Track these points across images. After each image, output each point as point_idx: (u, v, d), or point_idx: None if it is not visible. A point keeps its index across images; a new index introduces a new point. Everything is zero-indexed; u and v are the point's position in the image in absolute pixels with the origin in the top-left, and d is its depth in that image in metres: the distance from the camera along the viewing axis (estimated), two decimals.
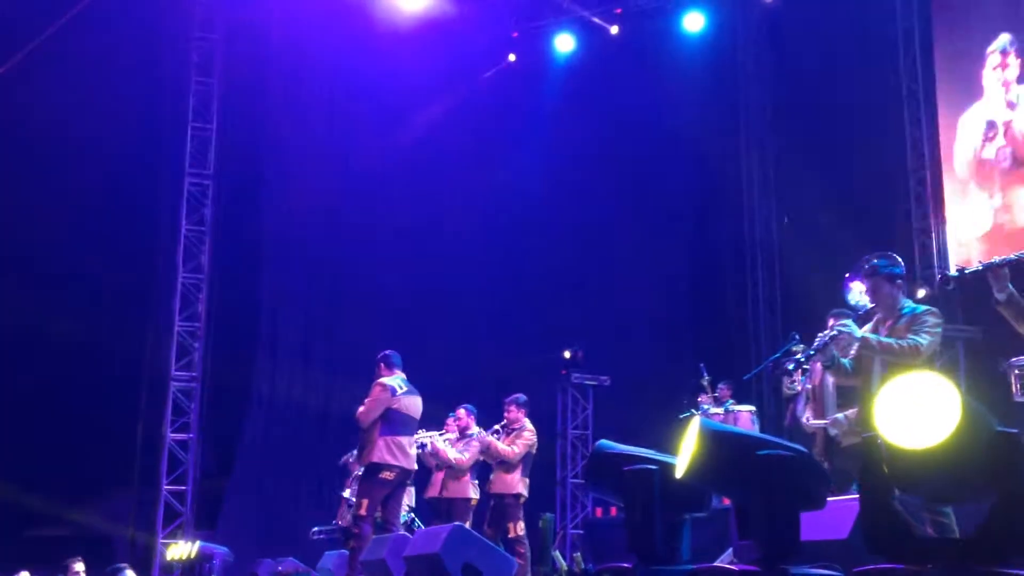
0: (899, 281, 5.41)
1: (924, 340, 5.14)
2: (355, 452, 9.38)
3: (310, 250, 14.11)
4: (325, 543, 10.15)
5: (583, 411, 13.88)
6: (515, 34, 15.09)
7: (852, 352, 5.47)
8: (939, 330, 5.25)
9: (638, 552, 4.24)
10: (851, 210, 12.39)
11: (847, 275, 7.20)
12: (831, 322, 6.60)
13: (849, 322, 5.45)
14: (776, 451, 3.65)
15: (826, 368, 5.51)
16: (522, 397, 9.28)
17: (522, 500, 8.89)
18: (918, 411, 3.02)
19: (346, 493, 9.88)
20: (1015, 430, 2.96)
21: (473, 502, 9.08)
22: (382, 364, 7.92)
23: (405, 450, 7.67)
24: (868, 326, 5.54)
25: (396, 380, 7.77)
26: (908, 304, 5.41)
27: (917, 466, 3.10)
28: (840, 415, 6.22)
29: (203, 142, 13.60)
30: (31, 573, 7.40)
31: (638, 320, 14.42)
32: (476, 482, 9.21)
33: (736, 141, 15.54)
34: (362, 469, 7.97)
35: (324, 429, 10.90)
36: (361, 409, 7.64)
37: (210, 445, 13.42)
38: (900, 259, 5.59)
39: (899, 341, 5.18)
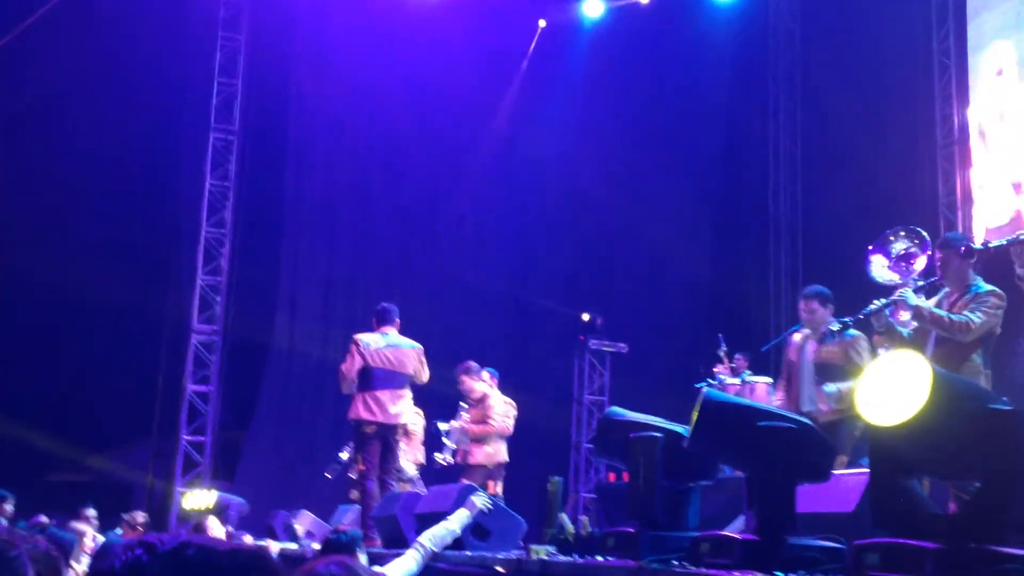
0: (972, 259, 5.37)
1: (978, 319, 5.11)
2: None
3: (333, 207, 14.15)
4: (339, 496, 10.26)
5: (600, 377, 13.92)
6: None
7: (911, 321, 5.48)
8: (999, 312, 5.23)
9: (640, 517, 4.28)
10: (876, 183, 12.29)
11: (869, 247, 7.13)
12: (802, 304, 6.58)
13: (907, 290, 5.45)
14: (776, 423, 3.67)
15: (879, 333, 5.48)
16: (474, 365, 9.34)
17: (501, 466, 9.22)
18: (894, 390, 3.05)
19: (343, 455, 9.98)
20: (1008, 407, 2.95)
21: (501, 464, 9.21)
22: (374, 319, 7.91)
23: (384, 405, 7.65)
24: (933, 299, 5.53)
25: (373, 336, 7.76)
26: (978, 282, 5.38)
27: (902, 443, 3.12)
28: (832, 387, 6.09)
29: (229, 98, 13.62)
30: (48, 517, 7.50)
31: (658, 289, 14.39)
32: (504, 444, 9.30)
33: (764, 111, 15.44)
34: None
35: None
36: (343, 365, 7.70)
37: (230, 398, 13.56)
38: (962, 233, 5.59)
39: (952, 316, 5.16)
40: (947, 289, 5.48)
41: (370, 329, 7.91)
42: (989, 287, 5.31)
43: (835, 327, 6.25)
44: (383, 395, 7.66)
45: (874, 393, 3.17)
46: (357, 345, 7.68)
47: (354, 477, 9.73)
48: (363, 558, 4.63)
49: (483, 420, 9.11)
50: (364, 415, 7.61)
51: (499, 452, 9.16)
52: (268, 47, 13.76)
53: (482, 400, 9.18)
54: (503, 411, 9.17)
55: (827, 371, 6.28)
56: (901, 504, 3.11)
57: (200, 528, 8.39)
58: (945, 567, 2.80)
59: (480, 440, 9.10)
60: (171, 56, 13.20)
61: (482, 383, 9.30)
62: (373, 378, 7.65)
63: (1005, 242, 4.94)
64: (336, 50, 13.98)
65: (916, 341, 5.33)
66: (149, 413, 13.01)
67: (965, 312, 5.17)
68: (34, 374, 12.06)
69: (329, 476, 10.50)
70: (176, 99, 13.56)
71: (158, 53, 12.78)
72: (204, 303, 13.23)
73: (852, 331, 6.35)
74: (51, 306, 12.33)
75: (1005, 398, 3.15)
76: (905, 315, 7.02)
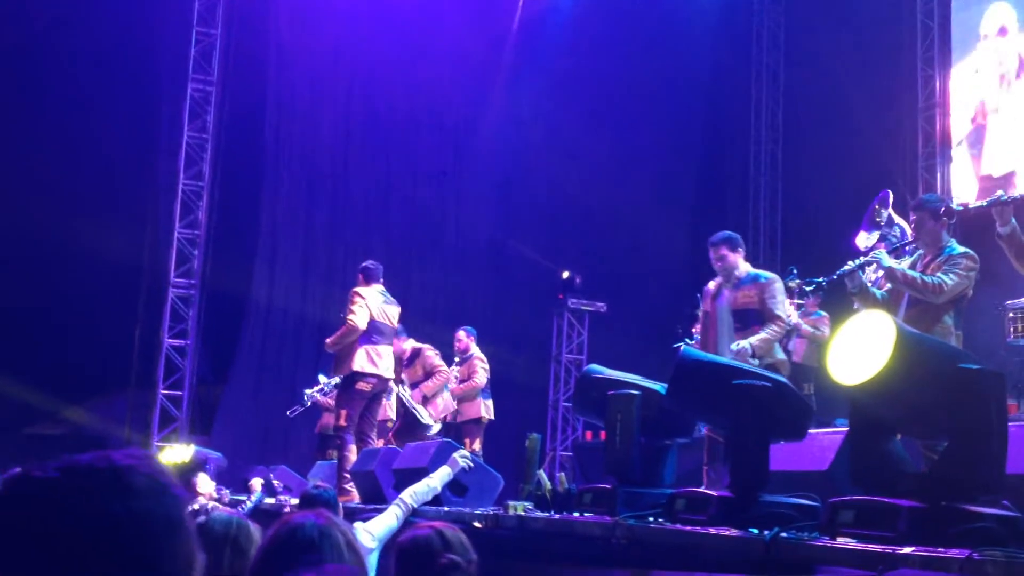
0: (944, 219, 5.38)
1: (950, 280, 5.12)
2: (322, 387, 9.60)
3: (312, 160, 14.03)
4: (315, 452, 10.29)
5: (578, 336, 13.95)
6: None
7: (883, 282, 5.50)
8: (972, 273, 5.23)
9: (616, 474, 4.31)
10: (856, 145, 12.31)
11: (861, 228, 7.19)
12: (711, 253, 6.46)
13: (881, 251, 5.47)
14: (752, 381, 3.69)
15: (852, 295, 5.48)
16: (472, 329, 9.57)
17: (484, 421, 9.37)
18: (862, 349, 3.08)
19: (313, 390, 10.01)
20: (977, 366, 2.96)
21: (484, 420, 9.32)
22: (360, 275, 7.84)
23: (383, 359, 7.66)
24: (907, 261, 5.54)
25: (370, 290, 7.74)
26: (952, 244, 5.39)
27: (874, 402, 3.14)
28: (745, 343, 6.01)
29: (207, 48, 13.43)
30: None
31: (637, 249, 14.41)
32: (488, 402, 9.41)
33: (746, 73, 15.42)
34: (339, 379, 7.95)
35: (321, 340, 10.92)
36: (352, 318, 7.50)
37: (207, 352, 13.50)
38: (939, 196, 5.59)
39: (924, 277, 5.17)
40: (921, 251, 5.49)
41: (353, 284, 7.88)
42: (962, 249, 5.32)
43: (809, 287, 6.25)
44: (384, 349, 7.66)
45: (844, 353, 3.19)
46: (364, 298, 7.62)
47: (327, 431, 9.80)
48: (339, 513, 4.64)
49: (468, 378, 9.26)
50: (368, 368, 7.53)
51: (480, 408, 9.34)
52: None
53: (470, 359, 9.33)
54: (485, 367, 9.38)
55: (744, 317, 6.16)
56: (876, 462, 3.14)
57: (188, 484, 8.42)
58: (918, 525, 2.83)
59: (469, 397, 9.25)
60: (148, 5, 12.99)
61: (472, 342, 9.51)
62: (375, 331, 7.62)
63: (986, 203, 4.95)
64: (317, 0, 13.80)
65: (889, 303, 5.35)
66: (126, 367, 12.95)
67: (939, 274, 5.19)
68: (9, 327, 11.95)
69: (290, 414, 10.56)
70: (154, 49, 13.34)
71: (134, 2, 12.56)
72: (181, 256, 13.13)
73: (766, 274, 6.32)
74: (26, 259, 12.19)
75: (975, 357, 3.16)
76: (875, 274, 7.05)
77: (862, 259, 5.53)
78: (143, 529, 1.10)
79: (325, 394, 9.82)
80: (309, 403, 10.15)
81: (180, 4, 13.29)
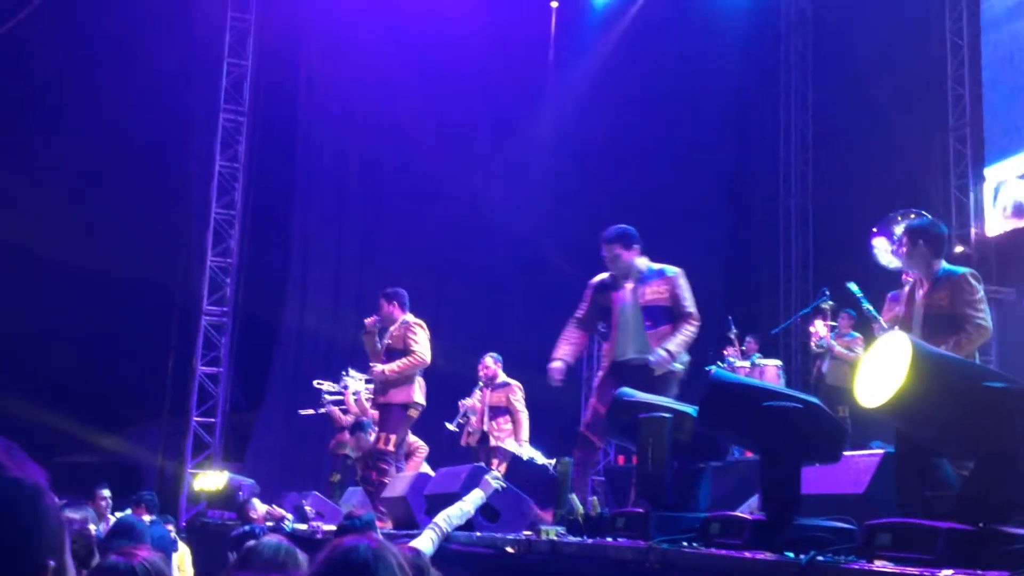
0: (920, 242, 5.23)
1: (983, 314, 5.08)
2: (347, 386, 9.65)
3: (342, 187, 14.14)
4: (349, 478, 10.31)
5: None
6: None
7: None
8: (983, 291, 5.20)
9: (649, 498, 4.28)
10: (888, 166, 12.24)
11: (873, 230, 7.05)
12: (604, 251, 6.20)
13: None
14: (782, 403, 3.65)
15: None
16: (498, 356, 9.60)
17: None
18: (883, 371, 3.04)
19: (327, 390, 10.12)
20: (1002, 384, 2.91)
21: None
22: (396, 303, 7.77)
23: (424, 389, 7.77)
24: (906, 288, 5.48)
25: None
26: (943, 265, 5.30)
27: (906, 424, 3.10)
28: (662, 351, 5.82)
29: (238, 78, 13.60)
30: (59, 498, 7.55)
31: None
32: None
33: (775, 92, 15.39)
34: (374, 406, 8.01)
35: (353, 366, 10.98)
36: (420, 350, 7.54)
37: (240, 379, 13.59)
38: (930, 216, 5.50)
39: (967, 332, 5.07)
40: (916, 278, 5.40)
41: (377, 311, 7.90)
42: (963, 269, 5.24)
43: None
44: (423, 379, 7.72)
45: (868, 375, 3.17)
46: (424, 329, 7.67)
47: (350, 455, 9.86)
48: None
49: (509, 405, 9.28)
50: (420, 399, 7.65)
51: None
52: (278, 27, 13.72)
53: (505, 385, 9.33)
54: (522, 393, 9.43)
55: (654, 313, 6.01)
56: (916, 484, 3.10)
57: (244, 508, 8.48)
58: (957, 547, 2.79)
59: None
60: (181, 36, 13.18)
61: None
62: None
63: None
64: (346, 30, 13.94)
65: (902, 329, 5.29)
66: (160, 394, 13.06)
67: (969, 313, 5.10)
68: (45, 355, 12.10)
69: (302, 413, 10.66)
70: (186, 80, 13.53)
71: (168, 33, 12.76)
72: (214, 284, 13.24)
73: (671, 269, 6.11)
74: (61, 288, 12.34)
75: (1008, 375, 3.11)
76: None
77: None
78: (11, 497, 1.15)
79: (339, 399, 9.98)
80: (323, 409, 10.33)
81: (212, 36, 13.48)
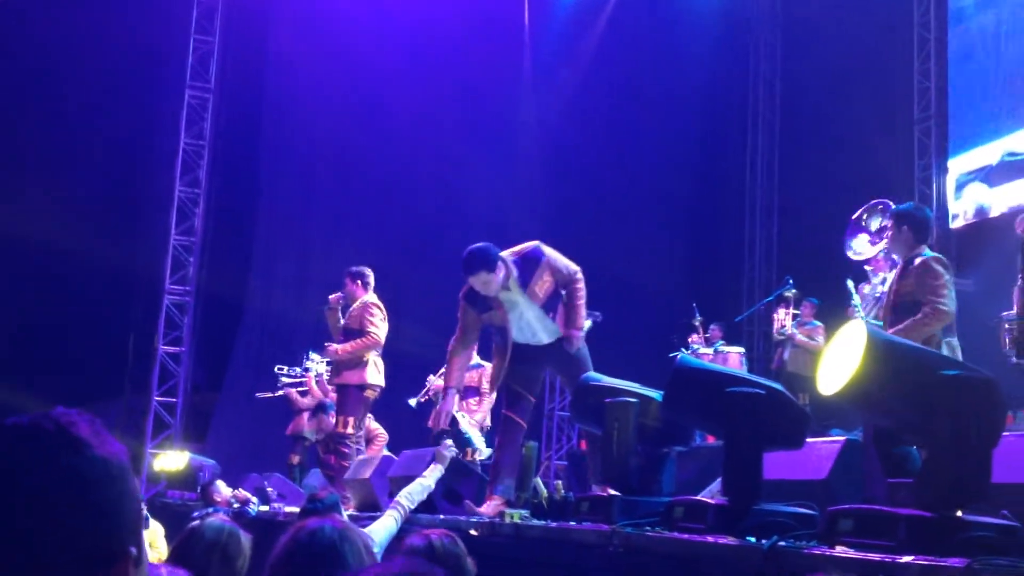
0: (904, 228, 5.38)
1: (944, 299, 5.13)
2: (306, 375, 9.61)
3: (309, 167, 14.03)
4: (310, 460, 10.28)
5: None
6: None
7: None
8: (951, 279, 5.26)
9: (614, 482, 4.29)
10: (854, 156, 12.33)
11: (846, 235, 7.18)
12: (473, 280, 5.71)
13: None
14: (745, 388, 3.67)
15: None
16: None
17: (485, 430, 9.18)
18: (841, 359, 3.08)
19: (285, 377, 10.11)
20: (957, 372, 2.94)
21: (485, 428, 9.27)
22: (359, 282, 7.70)
23: (382, 370, 7.71)
24: (892, 273, 5.57)
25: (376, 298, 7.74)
26: (923, 250, 5.40)
27: (869, 411, 3.13)
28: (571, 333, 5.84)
29: (205, 55, 13.43)
30: None
31: (633, 258, 14.40)
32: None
33: (743, 83, 15.45)
34: (334, 388, 7.96)
35: (316, 347, 10.93)
36: (374, 331, 7.50)
37: (202, 359, 13.48)
38: (916, 206, 5.61)
39: (924, 314, 5.12)
40: (896, 260, 5.53)
41: (340, 289, 7.84)
42: (932, 255, 5.32)
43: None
44: (381, 360, 7.67)
45: (829, 364, 3.20)
46: (381, 310, 7.61)
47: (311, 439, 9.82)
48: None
49: (477, 382, 9.23)
50: (377, 380, 7.59)
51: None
52: (246, 3, 13.56)
53: (478, 367, 9.28)
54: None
55: (548, 303, 5.73)
56: (880, 471, 3.13)
57: (207, 490, 8.40)
58: (918, 534, 2.82)
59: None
60: (146, 12, 12.99)
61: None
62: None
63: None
64: (315, 7, 13.81)
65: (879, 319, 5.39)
66: (120, 373, 12.93)
67: (929, 297, 5.17)
68: (3, 333, 11.94)
69: (258, 396, 10.62)
70: (151, 56, 13.35)
71: (133, 9, 12.56)
72: (177, 263, 13.11)
73: (536, 252, 5.75)
74: (22, 265, 12.18)
75: (963, 363, 3.14)
76: (867, 288, 7.08)
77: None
78: (99, 476, 1.11)
79: (299, 382, 9.93)
80: (281, 392, 10.29)
81: (178, 12, 13.30)
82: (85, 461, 1.11)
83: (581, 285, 5.75)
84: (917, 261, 5.27)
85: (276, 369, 10.45)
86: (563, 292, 5.74)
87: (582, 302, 5.75)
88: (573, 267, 5.78)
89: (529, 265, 5.68)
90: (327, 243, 13.88)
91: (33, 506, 1.07)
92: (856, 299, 6.91)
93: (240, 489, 8.49)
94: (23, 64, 12.31)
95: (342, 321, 7.78)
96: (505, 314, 5.72)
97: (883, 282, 6.92)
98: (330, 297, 7.87)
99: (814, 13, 13.65)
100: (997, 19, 11.18)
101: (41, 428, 1.14)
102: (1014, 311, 6.58)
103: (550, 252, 5.75)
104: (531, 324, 5.75)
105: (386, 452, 8.67)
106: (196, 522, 3.18)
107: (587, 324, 6.04)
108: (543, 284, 5.68)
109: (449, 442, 5.95)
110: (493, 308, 5.74)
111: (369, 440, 8.96)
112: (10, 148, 12.12)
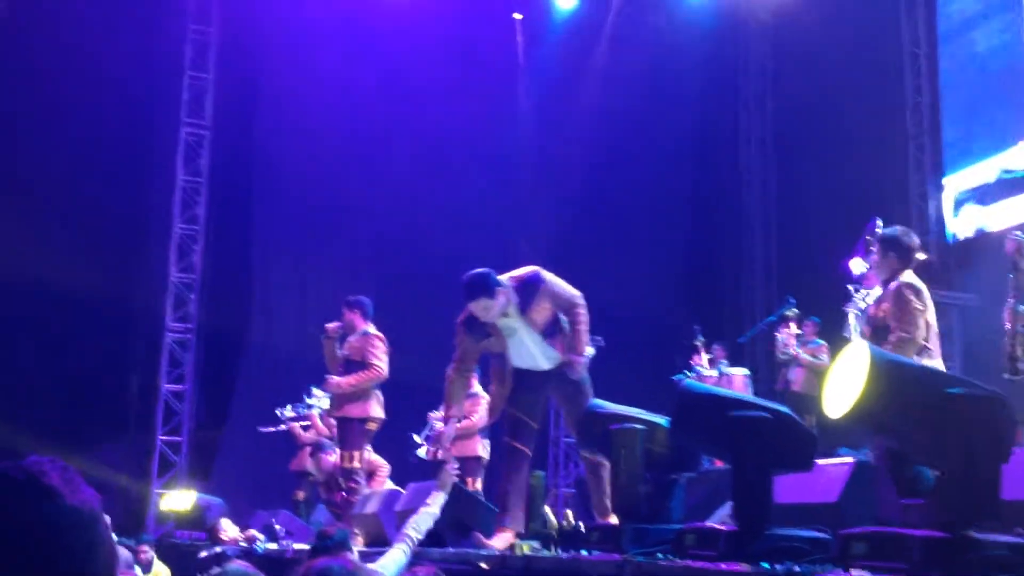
0: (890, 254, 5.32)
1: (909, 328, 5.09)
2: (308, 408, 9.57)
3: (306, 202, 14.02)
4: (315, 496, 10.23)
5: None
6: None
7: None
8: (921, 304, 5.19)
9: (622, 511, 4.27)
10: (849, 171, 12.36)
11: (849, 258, 7.20)
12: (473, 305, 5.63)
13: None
14: (749, 412, 3.66)
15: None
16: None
17: (483, 462, 9.12)
18: (845, 380, 3.07)
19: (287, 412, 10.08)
20: (961, 390, 2.93)
21: (483, 460, 9.15)
22: (359, 311, 7.63)
23: (382, 402, 7.67)
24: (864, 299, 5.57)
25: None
26: (900, 277, 5.35)
27: (864, 431, 3.12)
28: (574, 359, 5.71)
29: (199, 92, 13.49)
30: None
31: (634, 281, 14.39)
32: (486, 441, 9.25)
33: (735, 103, 15.52)
34: (336, 421, 7.87)
35: (318, 381, 10.91)
36: (378, 364, 7.44)
37: (205, 396, 13.44)
38: (903, 231, 5.57)
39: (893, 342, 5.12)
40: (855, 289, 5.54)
41: (339, 319, 7.80)
42: (906, 281, 5.27)
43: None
44: (380, 392, 7.64)
45: (833, 386, 3.19)
46: (384, 343, 7.56)
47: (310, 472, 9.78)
48: (355, 556, 4.59)
49: (469, 415, 9.13)
50: (378, 413, 7.54)
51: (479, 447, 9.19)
52: (239, 40, 13.62)
53: (475, 396, 9.17)
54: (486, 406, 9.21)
55: (546, 330, 5.69)
56: (898, 491, 3.13)
57: (214, 530, 8.34)
58: (932, 555, 2.80)
59: (467, 435, 9.08)
60: (140, 50, 13.03)
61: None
62: None
63: None
64: (308, 41, 13.86)
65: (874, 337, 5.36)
66: (124, 413, 12.88)
67: (892, 324, 5.14)
68: (5, 374, 11.90)
69: (261, 429, 10.59)
70: (146, 94, 13.38)
71: (127, 47, 12.60)
72: (178, 301, 13.10)
73: (535, 277, 5.69)
74: (21, 305, 12.15)
75: (969, 380, 3.12)
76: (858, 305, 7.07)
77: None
78: (70, 524, 1.14)
79: (302, 417, 9.88)
80: (283, 426, 10.26)
81: (172, 48, 13.35)
82: (56, 509, 1.13)
83: (583, 311, 5.70)
84: (892, 286, 5.25)
85: (277, 412, 10.38)
86: (564, 318, 5.70)
87: (584, 327, 5.69)
88: (574, 292, 5.73)
89: (528, 290, 5.61)
90: (326, 276, 13.87)
91: (3, 554, 1.08)
92: (853, 325, 6.88)
93: (250, 530, 8.44)
94: (15, 99, 12.33)
95: (339, 351, 7.73)
96: (504, 340, 5.66)
97: (864, 298, 6.87)
98: (327, 326, 7.79)
99: (805, 30, 13.72)
100: (987, 36, 11.24)
101: (10, 477, 1.16)
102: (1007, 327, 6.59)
103: (550, 278, 5.69)
104: (530, 350, 5.69)
105: (390, 485, 8.63)
106: (216, 570, 3.16)
107: (590, 351, 5.99)
108: (542, 311, 5.62)
109: (453, 466, 5.87)
110: (491, 335, 5.68)
111: (371, 473, 8.91)
112: (5, 187, 12.13)
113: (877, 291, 5.59)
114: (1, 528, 1.10)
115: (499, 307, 5.53)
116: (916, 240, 5.46)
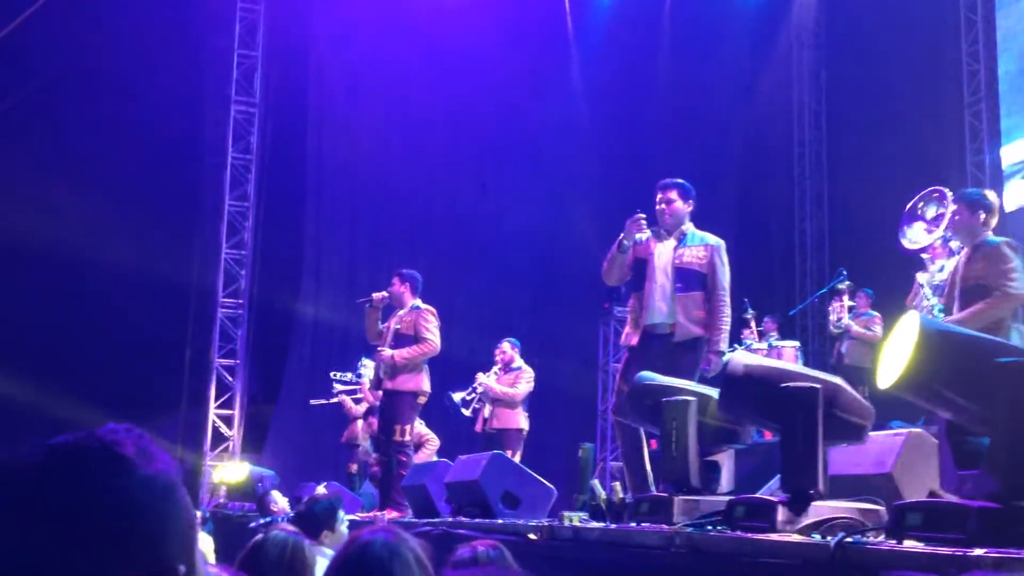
0: (980, 212, 5.38)
1: (1015, 283, 5.10)
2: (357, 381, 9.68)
3: (355, 178, 14.10)
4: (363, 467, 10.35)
5: None
6: None
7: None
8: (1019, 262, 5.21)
9: (673, 482, 4.25)
10: (904, 143, 12.14)
11: (901, 225, 7.10)
12: (659, 195, 5.98)
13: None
14: (802, 383, 3.62)
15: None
16: (516, 341, 9.59)
17: (524, 433, 9.27)
18: (896, 351, 3.03)
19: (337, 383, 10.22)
20: (1016, 359, 2.87)
21: (524, 432, 9.26)
22: (409, 285, 7.65)
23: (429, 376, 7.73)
24: (952, 260, 5.55)
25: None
26: (987, 236, 5.38)
27: (916, 401, 3.08)
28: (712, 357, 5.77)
29: (249, 69, 13.58)
30: None
31: None
32: (527, 413, 9.37)
33: (788, 74, 15.30)
34: (382, 393, 7.87)
35: (369, 356, 11.00)
36: (432, 338, 7.46)
37: (257, 371, 13.61)
38: (987, 190, 5.60)
39: (994, 297, 5.11)
40: (961, 245, 5.52)
41: (388, 288, 7.82)
42: (997, 239, 5.29)
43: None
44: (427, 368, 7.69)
45: (886, 357, 3.15)
46: (436, 317, 7.60)
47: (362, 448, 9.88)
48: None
49: (512, 386, 9.24)
50: (427, 387, 7.59)
51: (521, 419, 9.31)
52: (288, 17, 13.68)
53: (518, 369, 9.30)
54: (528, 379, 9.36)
55: (687, 277, 5.79)
56: (957, 462, 3.08)
57: (264, 501, 8.48)
58: (990, 526, 2.75)
59: (509, 405, 9.20)
60: (190, 28, 13.15)
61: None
62: None
63: None
64: (356, 17, 13.88)
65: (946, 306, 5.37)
66: (178, 388, 13.09)
67: (1000, 281, 5.15)
68: (63, 352, 12.12)
69: (313, 402, 10.69)
70: (196, 72, 13.51)
71: (177, 26, 12.72)
72: (229, 277, 13.26)
73: (713, 238, 5.89)
74: (77, 284, 12.37)
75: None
76: (925, 276, 6.98)
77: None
78: (144, 495, 1.10)
79: (353, 389, 10.00)
80: (335, 399, 10.37)
81: (222, 27, 13.45)
82: (130, 481, 1.10)
83: (727, 307, 5.85)
84: (986, 246, 5.25)
85: (331, 375, 10.53)
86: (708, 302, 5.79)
87: (727, 325, 5.79)
88: (727, 286, 5.85)
89: (699, 238, 5.88)
90: (375, 251, 13.95)
91: (78, 528, 1.06)
92: (928, 293, 6.83)
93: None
94: (68, 81, 12.49)
95: (380, 323, 7.76)
96: (652, 257, 5.83)
97: (940, 270, 6.85)
98: (374, 295, 7.79)
99: (858, 1, 13.48)
100: None
101: (86, 448, 1.13)
102: None
103: (723, 253, 5.90)
104: (660, 281, 5.77)
105: (437, 458, 8.71)
106: (259, 536, 3.19)
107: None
108: (695, 254, 5.80)
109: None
110: (650, 241, 5.88)
111: (419, 445, 8.98)
112: (58, 167, 12.31)
113: (947, 263, 5.56)
114: (75, 501, 1.07)
115: (678, 211, 5.97)
116: (997, 200, 5.50)
